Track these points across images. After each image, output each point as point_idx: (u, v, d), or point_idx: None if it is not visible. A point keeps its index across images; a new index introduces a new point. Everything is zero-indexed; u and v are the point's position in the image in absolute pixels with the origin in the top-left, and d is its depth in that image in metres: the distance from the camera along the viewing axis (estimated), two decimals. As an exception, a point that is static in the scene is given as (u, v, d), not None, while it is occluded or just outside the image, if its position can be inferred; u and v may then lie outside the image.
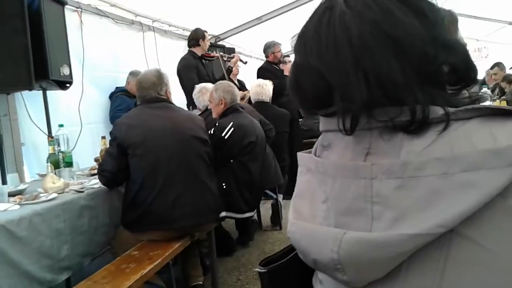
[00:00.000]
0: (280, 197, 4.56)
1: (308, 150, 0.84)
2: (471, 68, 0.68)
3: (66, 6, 3.29)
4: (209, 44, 5.11)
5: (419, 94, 0.63)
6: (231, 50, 6.42)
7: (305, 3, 6.11)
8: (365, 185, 0.66)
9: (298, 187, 0.83)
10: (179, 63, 4.91)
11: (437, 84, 0.66)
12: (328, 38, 0.68)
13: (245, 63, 5.57)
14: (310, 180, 0.79)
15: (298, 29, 0.76)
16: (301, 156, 0.83)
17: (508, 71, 6.97)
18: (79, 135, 3.56)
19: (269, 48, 5.63)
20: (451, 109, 0.63)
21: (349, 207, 0.69)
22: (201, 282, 2.98)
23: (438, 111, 0.63)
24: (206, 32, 5.06)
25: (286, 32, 6.15)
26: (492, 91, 6.56)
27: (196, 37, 4.99)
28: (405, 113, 0.63)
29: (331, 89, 0.68)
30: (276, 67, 5.62)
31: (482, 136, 0.60)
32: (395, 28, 0.64)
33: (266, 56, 5.69)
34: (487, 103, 0.68)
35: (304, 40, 0.73)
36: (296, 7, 6.22)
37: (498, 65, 7.15)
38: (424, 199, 0.60)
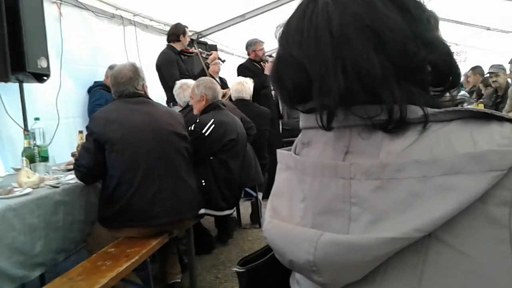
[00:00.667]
0: (260, 195, 4.55)
1: (287, 148, 0.83)
2: (453, 69, 0.68)
3: (45, -3, 3.22)
4: (189, 40, 5.05)
5: (396, 90, 0.62)
6: (213, 47, 6.38)
7: (288, 1, 6.11)
8: (344, 185, 0.65)
9: (276, 185, 0.82)
10: (159, 57, 4.85)
11: (416, 82, 0.65)
12: (310, 28, 0.67)
13: (223, 61, 5.53)
14: (289, 178, 0.78)
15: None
16: (281, 153, 0.82)
17: (485, 75, 7.11)
18: (56, 129, 3.49)
19: (250, 46, 5.62)
20: (431, 110, 0.62)
21: (327, 207, 0.68)
22: (179, 280, 2.95)
23: (417, 111, 0.62)
24: (187, 27, 5.01)
25: (269, 31, 6.18)
26: (470, 94, 6.67)
27: (176, 32, 4.94)
28: (385, 112, 0.62)
29: (310, 81, 0.67)
30: (257, 65, 5.61)
31: (462, 139, 0.59)
32: (377, 22, 0.64)
33: (248, 54, 5.68)
34: (469, 106, 0.68)
35: (287, 31, 0.72)
36: (279, 5, 6.22)
37: (475, 69, 7.28)
38: (403, 202, 0.59)
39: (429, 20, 0.68)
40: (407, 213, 0.58)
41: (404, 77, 0.63)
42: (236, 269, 0.87)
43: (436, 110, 0.63)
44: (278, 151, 0.83)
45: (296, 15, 0.72)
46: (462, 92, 5.69)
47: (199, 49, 5.33)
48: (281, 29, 0.74)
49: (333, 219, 0.67)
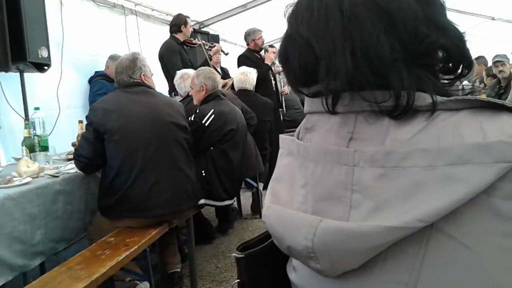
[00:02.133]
0: (261, 185, 4.56)
1: (290, 133, 0.82)
2: (465, 54, 0.66)
3: (45, -14, 3.21)
4: (192, 30, 5.03)
5: (405, 74, 0.61)
6: (215, 37, 6.35)
7: (290, -9, 6.06)
8: (346, 172, 0.64)
9: (277, 170, 0.82)
10: (162, 47, 4.84)
11: (426, 67, 0.64)
12: (320, 7, 0.66)
13: (227, 54, 5.50)
14: (290, 163, 0.77)
15: (283, 17, 0.75)
16: (283, 138, 0.81)
17: (490, 65, 7.06)
18: (57, 119, 3.50)
19: (249, 35, 5.55)
20: (440, 98, 0.61)
21: (328, 193, 0.67)
22: (179, 270, 2.96)
23: (426, 98, 0.61)
24: (189, 18, 4.99)
25: (271, 21, 6.13)
26: (473, 84, 6.64)
27: (178, 23, 4.92)
28: (393, 98, 0.61)
29: (318, 62, 0.66)
30: (257, 55, 5.57)
31: (471, 129, 0.58)
32: (389, 2, 0.62)
33: (247, 44, 5.61)
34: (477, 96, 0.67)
35: (296, 10, 0.71)
36: (281, -5, 6.17)
37: (478, 58, 7.23)
38: (406, 191, 0.58)
39: (443, 5, 0.66)
40: (410, 202, 0.57)
41: (414, 61, 0.62)
42: (235, 254, 0.86)
43: (445, 98, 0.61)
44: (281, 136, 0.82)
45: None
46: (465, 82, 5.64)
47: (202, 41, 5.30)
48: (291, 8, 0.73)
49: (333, 206, 0.66)
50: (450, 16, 0.66)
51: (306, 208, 0.71)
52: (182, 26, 4.91)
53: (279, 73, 5.69)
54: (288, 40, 0.73)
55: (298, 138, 0.78)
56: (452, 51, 0.64)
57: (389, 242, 0.59)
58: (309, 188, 0.71)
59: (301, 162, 0.74)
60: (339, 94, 0.65)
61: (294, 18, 0.71)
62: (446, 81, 0.67)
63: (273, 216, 0.74)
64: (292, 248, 0.68)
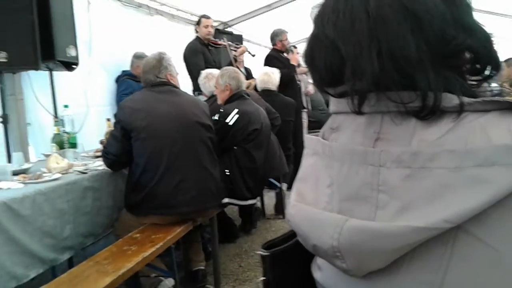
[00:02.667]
0: (284, 186, 4.55)
1: (315, 133, 0.82)
2: (492, 56, 0.65)
3: (74, -14, 3.27)
4: (209, 29, 5.02)
5: (431, 75, 0.61)
6: (239, 38, 6.37)
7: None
8: (372, 172, 0.64)
9: (302, 170, 0.82)
10: (185, 48, 4.90)
11: (453, 69, 0.63)
12: (346, 8, 0.66)
13: (253, 55, 5.51)
14: (315, 163, 0.77)
15: (308, 17, 0.75)
16: (308, 138, 0.81)
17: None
18: (85, 116, 3.56)
19: (277, 35, 5.56)
20: (468, 99, 0.60)
21: (354, 193, 0.67)
22: (202, 267, 2.99)
23: (453, 99, 0.60)
24: (205, 17, 5.00)
25: (295, 21, 6.10)
26: (501, 86, 6.49)
27: (196, 23, 5.01)
28: (419, 98, 0.61)
29: (343, 63, 0.66)
30: (282, 55, 5.57)
31: (499, 131, 0.57)
32: (416, 3, 0.62)
33: (274, 44, 5.61)
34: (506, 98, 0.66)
35: (323, 11, 0.71)
36: (306, -5, 6.16)
37: (508, 60, 7.06)
38: (433, 192, 0.57)
39: (470, 5, 0.66)
40: (437, 203, 0.57)
41: (441, 62, 0.62)
42: (260, 252, 0.87)
43: (473, 99, 0.60)
44: (306, 136, 0.82)
45: None
46: (493, 84, 5.53)
47: (228, 42, 5.32)
48: (317, 9, 0.73)
49: (359, 206, 0.66)
50: (478, 17, 0.66)
51: (332, 208, 0.71)
52: (197, 26, 4.99)
53: (305, 73, 5.68)
54: (314, 41, 0.73)
55: (323, 138, 0.78)
56: (479, 52, 0.64)
57: (415, 243, 0.58)
58: (334, 188, 0.71)
59: (327, 162, 0.74)
60: (365, 95, 0.65)
61: (320, 19, 0.71)
62: (473, 83, 0.66)
63: (298, 214, 0.74)
64: (318, 247, 0.68)
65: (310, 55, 0.74)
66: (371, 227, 0.61)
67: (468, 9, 0.65)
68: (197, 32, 4.99)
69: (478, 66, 0.65)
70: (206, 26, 4.96)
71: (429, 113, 0.61)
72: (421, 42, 0.61)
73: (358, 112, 0.67)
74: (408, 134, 0.63)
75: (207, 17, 4.99)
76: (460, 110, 0.60)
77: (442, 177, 0.57)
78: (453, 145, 0.58)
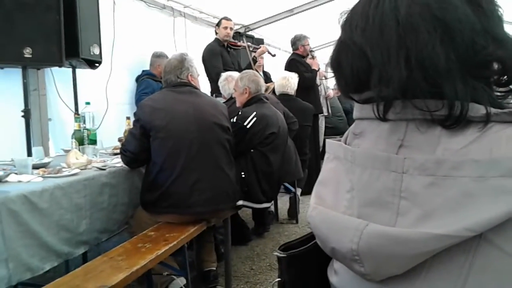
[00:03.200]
0: (299, 191, 4.55)
1: (337, 138, 0.83)
2: None
3: (100, -13, 3.33)
4: (227, 31, 5.04)
5: (459, 84, 0.61)
6: (260, 41, 6.39)
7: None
8: (395, 179, 0.64)
9: (322, 174, 0.82)
10: (204, 50, 4.94)
11: (481, 79, 0.63)
12: (375, 15, 0.67)
13: (274, 55, 5.51)
14: (336, 167, 0.78)
15: (330, 23, 0.76)
16: (330, 143, 0.82)
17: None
18: (105, 114, 3.61)
19: (299, 40, 5.58)
20: (494, 110, 0.61)
21: (375, 199, 0.67)
22: (214, 268, 3.00)
23: (480, 109, 0.61)
24: (226, 19, 5.02)
25: (316, 26, 6.07)
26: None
27: (216, 24, 5.04)
28: (446, 107, 0.61)
29: (370, 69, 0.66)
30: (304, 60, 5.59)
31: None
32: (446, 12, 0.62)
33: (296, 49, 5.62)
34: None
35: (351, 17, 0.72)
36: (328, 1, 6.16)
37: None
38: (456, 200, 0.58)
39: (501, 17, 0.66)
40: (459, 212, 0.57)
41: (469, 72, 0.62)
42: (277, 253, 0.88)
43: (500, 110, 0.61)
44: (328, 140, 0.83)
45: (363, 1, 0.71)
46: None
47: (247, 43, 5.34)
48: (345, 15, 0.74)
49: (380, 212, 0.66)
50: (509, 29, 0.66)
51: (351, 213, 0.71)
52: (216, 28, 5.02)
53: (325, 77, 5.70)
54: (341, 46, 0.74)
55: (345, 143, 0.79)
56: (508, 63, 0.64)
57: (435, 250, 0.58)
58: (355, 193, 0.72)
59: (348, 167, 0.74)
60: (391, 102, 0.65)
61: (349, 25, 0.72)
62: (500, 93, 0.66)
63: (318, 217, 0.74)
64: (337, 250, 0.69)
65: (336, 60, 0.74)
66: (392, 232, 0.62)
67: (499, 21, 0.66)
68: (216, 33, 5.02)
69: (506, 77, 0.65)
70: (226, 28, 4.98)
71: (455, 122, 0.61)
72: (450, 51, 0.61)
73: (383, 118, 0.67)
74: (433, 142, 0.63)
75: (228, 19, 5.01)
76: (486, 120, 0.60)
77: (465, 186, 0.57)
78: (478, 154, 0.58)
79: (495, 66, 0.64)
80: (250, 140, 3.37)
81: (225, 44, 5.01)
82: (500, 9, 0.66)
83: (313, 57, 5.62)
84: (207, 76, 4.85)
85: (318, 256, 0.79)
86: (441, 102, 0.62)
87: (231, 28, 5.04)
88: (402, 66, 0.63)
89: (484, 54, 0.62)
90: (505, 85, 0.66)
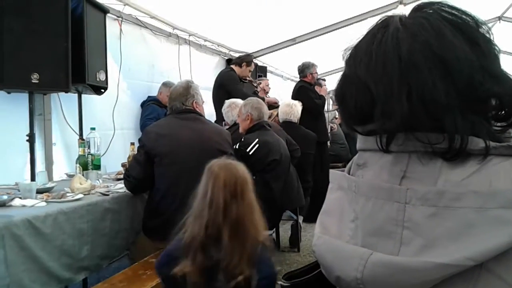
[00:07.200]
0: (301, 218, 4.52)
1: (341, 168, 0.85)
2: None
3: (108, 15, 3.41)
4: (249, 72, 5.21)
5: (459, 119, 0.63)
6: (263, 69, 6.50)
7: (339, 28, 6.18)
8: (398, 209, 0.66)
9: (327, 204, 0.84)
10: (223, 76, 5.04)
11: (480, 113, 0.66)
12: (379, 52, 0.69)
13: (267, 93, 5.68)
14: (340, 197, 0.79)
15: (332, 52, 0.79)
16: (333, 173, 0.84)
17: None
18: (111, 139, 3.64)
19: (308, 68, 5.64)
20: (493, 143, 0.63)
21: (378, 229, 0.69)
22: (214, 296, 2.96)
23: (479, 143, 0.63)
24: (253, 60, 5.20)
25: (319, 55, 6.16)
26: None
27: (243, 59, 5.20)
28: (446, 140, 0.63)
29: (374, 103, 0.69)
30: (312, 87, 5.68)
31: None
32: (446, 51, 0.65)
33: (304, 76, 5.68)
34: None
35: (355, 53, 0.75)
36: (330, 31, 6.29)
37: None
38: (457, 231, 0.59)
39: (498, 56, 0.69)
40: (460, 241, 0.58)
41: (468, 107, 0.64)
42: (281, 282, 0.88)
43: (498, 144, 0.63)
44: (331, 171, 0.85)
45: (366, 39, 0.74)
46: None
47: (252, 78, 5.54)
48: (349, 51, 0.76)
49: (383, 241, 0.67)
50: (503, 58, 0.68)
51: (356, 242, 0.72)
52: (244, 64, 5.13)
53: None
54: (345, 80, 0.76)
55: (349, 173, 0.80)
56: (505, 99, 0.66)
57: (438, 279, 0.59)
58: (359, 223, 0.73)
59: (352, 197, 0.75)
60: (394, 134, 0.68)
61: (353, 60, 0.74)
62: (498, 128, 0.69)
63: (323, 246, 0.75)
64: (341, 279, 0.70)
65: (341, 94, 0.77)
66: (395, 261, 0.63)
67: (496, 58, 0.68)
68: (238, 66, 5.13)
69: (503, 112, 0.67)
70: (250, 71, 5.19)
71: (455, 155, 0.63)
72: (450, 87, 0.64)
73: (386, 150, 0.69)
74: (434, 174, 0.65)
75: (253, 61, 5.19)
76: (486, 153, 0.63)
77: (466, 217, 0.59)
78: (477, 186, 0.60)
79: (493, 101, 0.66)
80: (252, 166, 3.36)
81: (241, 78, 5.15)
82: (496, 47, 0.69)
83: (320, 85, 5.70)
84: (216, 102, 4.89)
85: (322, 286, 0.79)
86: (441, 136, 0.64)
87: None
88: (404, 101, 0.65)
89: (482, 90, 0.64)
90: (503, 119, 0.68)
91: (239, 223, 1.70)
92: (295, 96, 5.39)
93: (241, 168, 1.88)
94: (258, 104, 3.63)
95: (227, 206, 1.71)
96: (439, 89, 0.63)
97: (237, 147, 3.35)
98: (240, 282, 1.61)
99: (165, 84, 4.35)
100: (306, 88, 5.57)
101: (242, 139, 3.47)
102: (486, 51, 0.67)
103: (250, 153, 3.38)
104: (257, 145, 3.40)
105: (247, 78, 5.31)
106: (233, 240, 1.66)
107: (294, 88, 5.75)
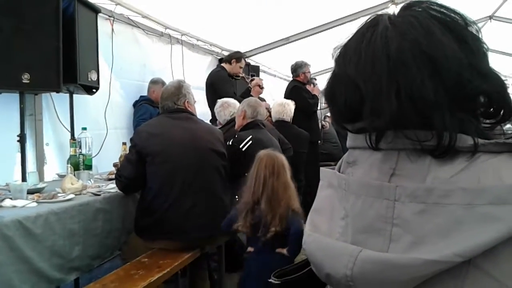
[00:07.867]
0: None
1: (331, 166, 0.85)
2: (506, 101, 0.68)
3: (99, 14, 3.39)
4: (240, 68, 5.17)
5: (447, 116, 0.64)
6: (256, 68, 6.49)
7: (332, 27, 6.19)
8: (387, 206, 0.66)
9: (317, 202, 0.84)
10: (212, 76, 5.02)
11: (468, 111, 0.66)
12: (368, 50, 0.70)
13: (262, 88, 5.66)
14: (330, 195, 0.80)
15: (324, 51, 0.79)
16: (324, 171, 0.84)
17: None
18: (104, 139, 3.62)
19: (300, 67, 5.62)
20: (481, 141, 0.63)
21: (368, 226, 0.69)
22: (208, 295, 2.98)
23: (467, 140, 0.63)
24: (244, 57, 5.16)
25: (312, 54, 6.17)
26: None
27: (233, 56, 5.16)
28: (435, 137, 0.64)
29: (363, 101, 0.69)
30: (305, 87, 5.67)
31: (510, 172, 0.60)
32: (435, 49, 0.65)
33: (296, 76, 5.66)
34: None
35: (345, 52, 0.75)
36: (322, 30, 6.30)
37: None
38: (445, 227, 0.60)
39: (486, 53, 0.69)
40: (449, 238, 0.59)
41: (457, 104, 0.65)
42: (271, 280, 0.88)
43: (486, 141, 0.63)
44: (322, 169, 0.85)
45: (355, 37, 0.74)
46: (508, 126, 5.51)
47: (245, 74, 5.49)
48: (339, 50, 0.77)
49: (373, 238, 0.68)
50: (495, 58, 0.68)
51: (346, 239, 0.72)
52: (234, 60, 5.10)
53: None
54: (335, 79, 0.77)
55: (339, 171, 0.81)
56: (493, 96, 0.67)
57: (427, 275, 0.60)
58: (349, 220, 0.73)
59: (342, 194, 0.76)
60: (383, 132, 0.68)
61: (342, 59, 0.75)
62: (487, 125, 0.69)
63: (313, 244, 0.76)
64: (331, 276, 0.70)
65: (330, 92, 0.77)
66: (384, 258, 0.63)
67: (484, 56, 0.69)
68: (228, 63, 5.11)
69: (492, 110, 0.68)
70: (241, 67, 5.15)
71: (444, 152, 0.64)
72: (439, 85, 0.64)
73: (375, 148, 0.70)
74: (423, 171, 0.65)
75: (245, 58, 5.14)
76: (474, 150, 0.63)
77: (454, 213, 0.59)
78: (466, 183, 0.61)
79: (482, 99, 0.67)
80: (244, 163, 3.37)
81: (233, 75, 5.13)
82: (485, 45, 0.70)
83: (313, 85, 5.70)
84: (210, 102, 4.88)
85: (312, 283, 0.80)
86: (430, 133, 0.64)
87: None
88: (393, 99, 0.65)
89: (471, 88, 0.65)
90: (492, 116, 0.69)
91: (273, 194, 2.39)
92: (288, 96, 5.37)
93: (280, 156, 2.60)
94: (254, 103, 3.66)
95: (266, 181, 2.42)
96: (428, 87, 0.64)
97: (230, 143, 3.36)
98: (275, 234, 2.31)
99: (154, 82, 4.35)
100: (299, 87, 5.56)
101: (236, 136, 3.48)
102: (475, 49, 0.67)
103: (243, 149, 3.37)
104: (250, 142, 3.40)
105: (240, 75, 5.29)
106: (267, 206, 2.36)
107: (287, 88, 5.74)
